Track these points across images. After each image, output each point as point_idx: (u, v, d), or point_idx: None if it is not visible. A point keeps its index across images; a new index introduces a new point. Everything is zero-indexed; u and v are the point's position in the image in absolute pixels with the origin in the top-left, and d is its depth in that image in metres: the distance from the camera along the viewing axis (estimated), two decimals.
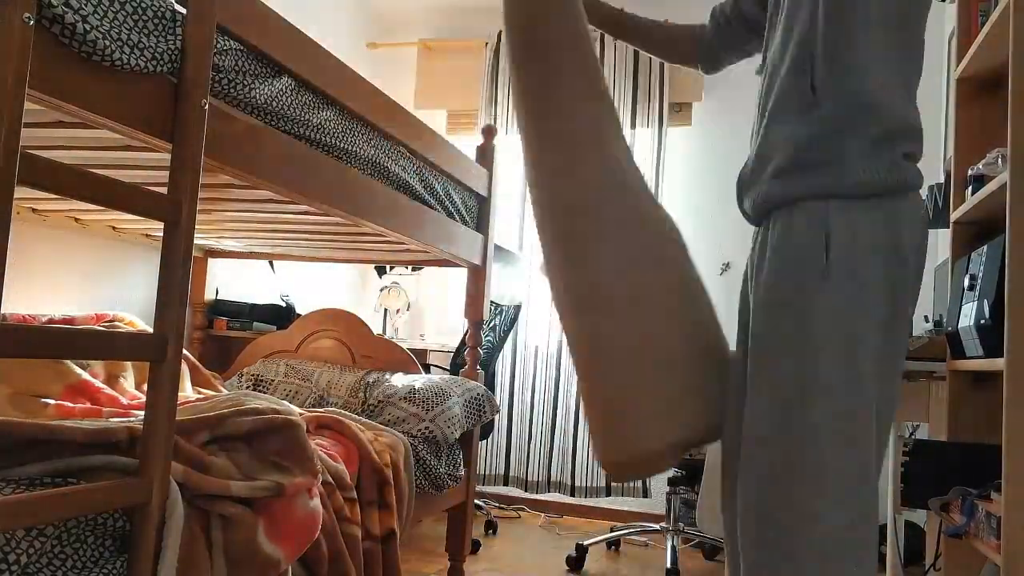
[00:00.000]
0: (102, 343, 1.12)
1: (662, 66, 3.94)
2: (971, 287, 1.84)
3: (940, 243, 3.39)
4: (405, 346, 2.98)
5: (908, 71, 1.22)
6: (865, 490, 1.13)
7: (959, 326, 1.90)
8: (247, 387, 2.65)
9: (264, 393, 2.61)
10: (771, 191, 1.25)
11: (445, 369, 3.39)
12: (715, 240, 3.88)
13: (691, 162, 4.00)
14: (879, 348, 1.16)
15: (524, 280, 3.94)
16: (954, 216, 2.12)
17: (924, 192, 3.06)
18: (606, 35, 3.97)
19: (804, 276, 1.18)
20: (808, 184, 1.21)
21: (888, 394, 1.19)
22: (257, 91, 1.49)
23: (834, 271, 1.16)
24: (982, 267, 1.80)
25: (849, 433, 1.13)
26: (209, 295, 3.17)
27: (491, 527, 3.47)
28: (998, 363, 1.62)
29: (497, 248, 3.31)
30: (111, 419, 1.52)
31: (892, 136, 1.19)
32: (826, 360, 1.14)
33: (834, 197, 1.18)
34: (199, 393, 2.26)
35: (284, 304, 3.26)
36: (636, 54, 3.99)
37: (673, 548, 2.94)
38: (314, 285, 3.91)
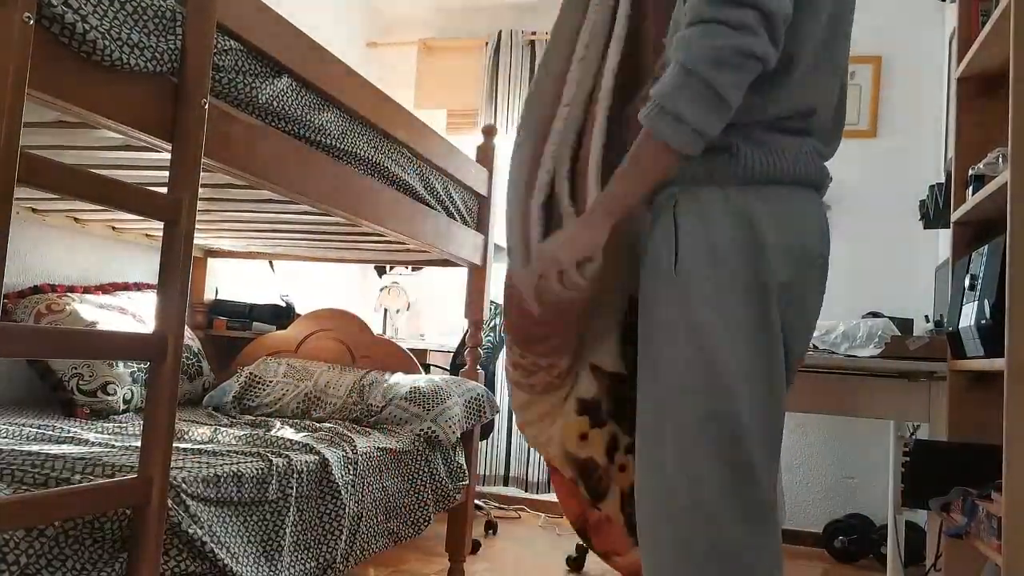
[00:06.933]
0: (102, 343, 1.12)
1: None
2: (972, 287, 1.84)
3: (941, 243, 3.39)
4: (405, 346, 2.97)
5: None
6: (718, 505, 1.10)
7: (960, 326, 1.90)
8: (245, 386, 2.64)
9: (262, 392, 2.61)
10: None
11: (445, 369, 3.39)
12: None
13: None
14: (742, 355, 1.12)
15: None
16: (955, 216, 2.12)
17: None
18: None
19: (655, 279, 1.16)
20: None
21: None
22: (258, 91, 1.49)
23: (680, 273, 1.13)
24: (983, 267, 1.80)
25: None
26: (209, 295, 3.17)
27: (491, 527, 3.46)
28: (998, 363, 1.62)
29: (497, 248, 3.31)
30: None
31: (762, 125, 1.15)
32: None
33: (684, 185, 1.15)
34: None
35: (284, 304, 3.26)
36: None
37: None
38: (314, 285, 3.91)
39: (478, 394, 2.62)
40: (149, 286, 2.77)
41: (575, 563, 2.97)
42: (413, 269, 4.07)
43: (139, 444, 1.41)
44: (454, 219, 2.51)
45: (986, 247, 1.82)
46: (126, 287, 2.69)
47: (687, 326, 1.12)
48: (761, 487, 1.12)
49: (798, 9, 1.11)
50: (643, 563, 1.17)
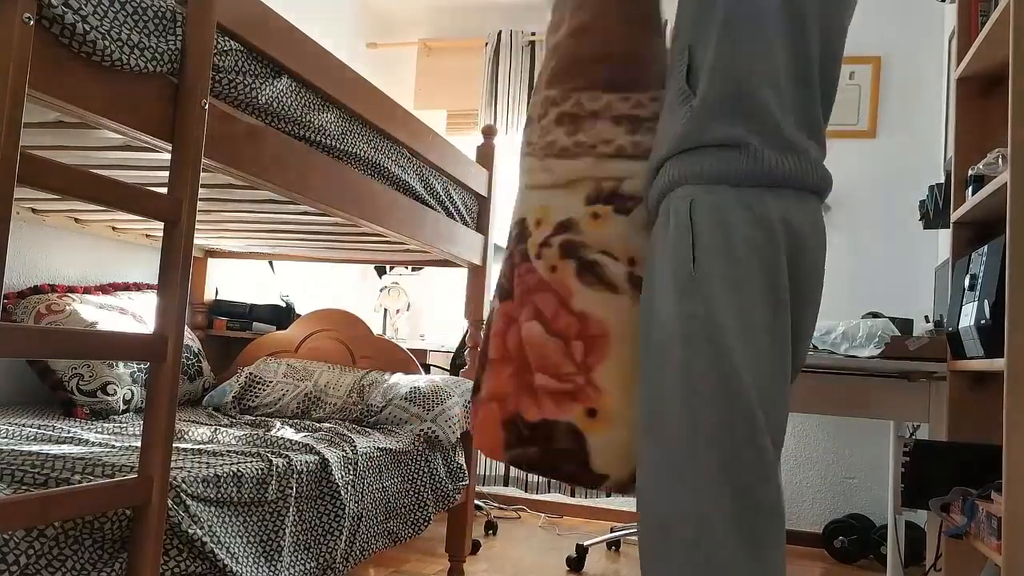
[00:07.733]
0: (102, 343, 1.12)
1: None
2: (971, 287, 1.84)
3: (941, 243, 3.39)
4: (405, 346, 2.98)
5: (779, 66, 1.17)
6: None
7: (959, 326, 1.90)
8: (245, 386, 2.64)
9: (262, 392, 2.61)
10: (656, 183, 1.23)
11: (445, 369, 3.39)
12: None
13: None
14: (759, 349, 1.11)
15: None
16: (954, 216, 2.12)
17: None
18: None
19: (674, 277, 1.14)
20: (679, 172, 1.17)
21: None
22: (258, 92, 1.49)
23: (701, 271, 1.11)
24: (982, 267, 1.80)
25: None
26: (209, 295, 3.17)
27: (491, 527, 3.47)
28: (998, 363, 1.62)
29: (497, 248, 3.31)
30: None
31: (752, 130, 1.16)
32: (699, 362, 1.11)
33: (699, 184, 1.15)
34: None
35: (284, 304, 3.26)
36: None
37: None
38: (314, 285, 3.91)
39: None
40: (149, 286, 2.77)
41: (575, 563, 2.97)
42: (413, 269, 4.07)
43: (139, 444, 1.41)
44: (454, 219, 2.51)
45: (986, 247, 1.82)
46: (126, 287, 2.69)
47: (705, 327, 1.10)
48: (775, 488, 1.10)
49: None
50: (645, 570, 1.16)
